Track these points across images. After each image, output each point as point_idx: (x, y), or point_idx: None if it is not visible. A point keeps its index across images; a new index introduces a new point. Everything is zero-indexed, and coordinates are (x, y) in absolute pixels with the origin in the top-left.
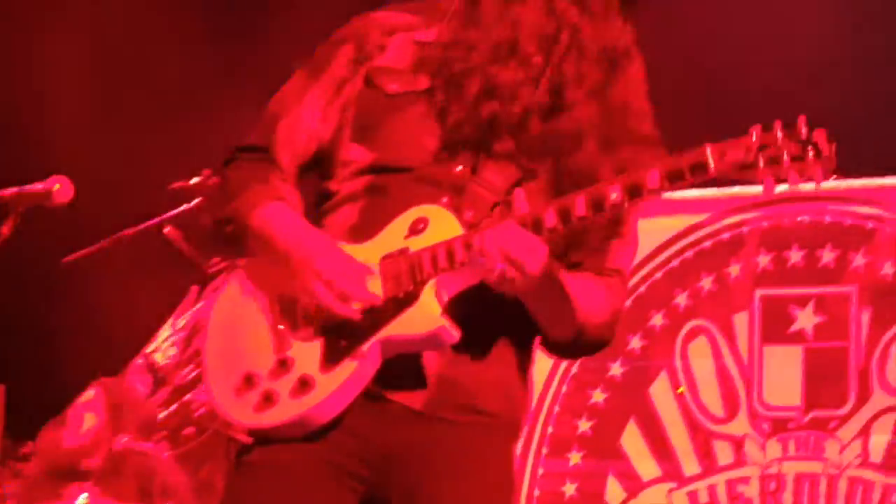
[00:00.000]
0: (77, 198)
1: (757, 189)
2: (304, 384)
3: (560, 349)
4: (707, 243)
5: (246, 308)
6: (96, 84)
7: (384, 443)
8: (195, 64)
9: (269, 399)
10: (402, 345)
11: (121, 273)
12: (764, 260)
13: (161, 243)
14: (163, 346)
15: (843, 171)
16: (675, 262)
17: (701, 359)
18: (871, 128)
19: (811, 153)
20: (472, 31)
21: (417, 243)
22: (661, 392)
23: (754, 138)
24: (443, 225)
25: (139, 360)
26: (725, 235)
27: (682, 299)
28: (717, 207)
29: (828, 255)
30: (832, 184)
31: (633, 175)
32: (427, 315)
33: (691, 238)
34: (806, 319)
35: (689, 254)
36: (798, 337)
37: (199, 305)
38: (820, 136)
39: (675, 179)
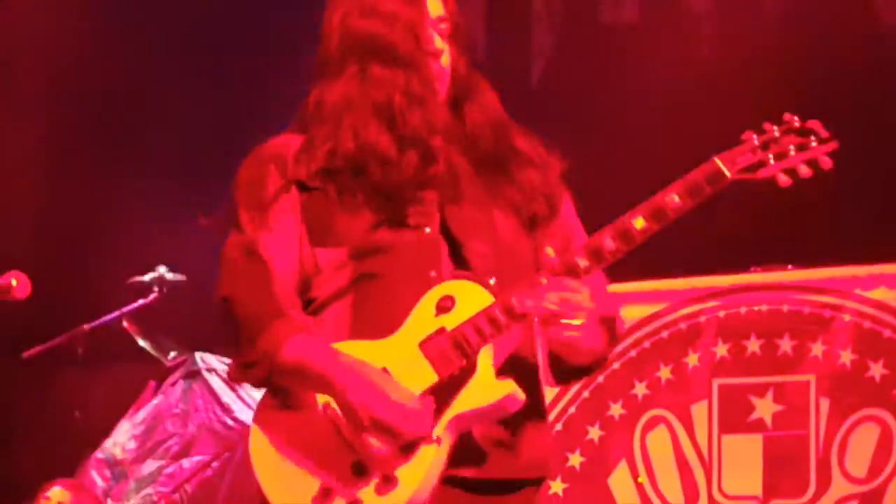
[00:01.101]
0: (34, 292)
1: (713, 279)
2: (388, 481)
3: (581, 372)
4: (664, 333)
5: (294, 428)
6: (52, 177)
7: None
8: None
9: None
10: (475, 417)
11: (79, 366)
12: (722, 349)
13: (119, 337)
14: (121, 440)
15: (802, 261)
16: (632, 353)
17: (660, 449)
18: (828, 216)
19: (813, 140)
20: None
21: (452, 320)
22: (620, 482)
23: (755, 140)
24: (471, 296)
25: (98, 454)
26: (682, 325)
27: (640, 389)
28: (674, 298)
29: (786, 344)
30: (790, 272)
31: (654, 200)
32: (490, 384)
33: (649, 328)
34: (765, 408)
35: (646, 344)
36: (757, 426)
37: (157, 400)
38: (815, 124)
39: (695, 194)
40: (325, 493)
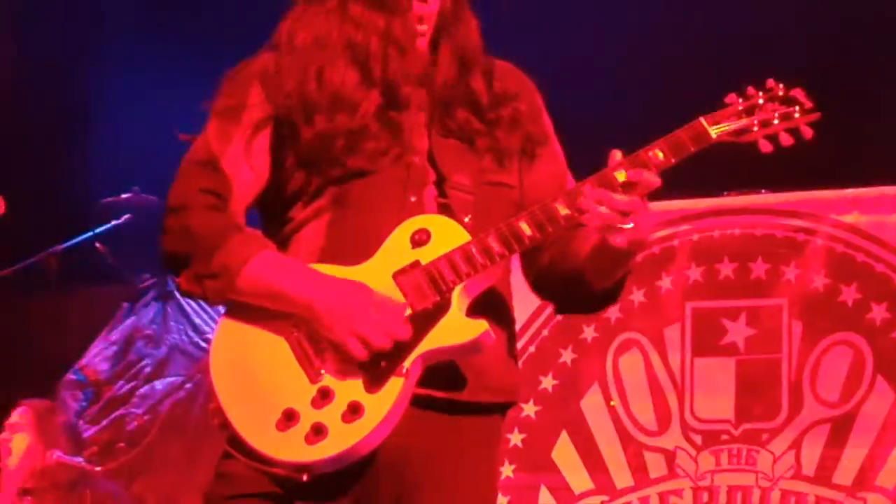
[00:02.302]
0: (8, 213)
1: (687, 202)
2: (354, 410)
3: (601, 298)
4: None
5: (259, 347)
6: (27, 96)
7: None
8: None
9: (319, 431)
10: (444, 354)
11: (52, 288)
12: (695, 273)
13: (92, 258)
14: (94, 362)
15: (776, 184)
16: None
17: (632, 371)
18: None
19: (797, 110)
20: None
21: (427, 254)
22: (592, 405)
23: (740, 104)
24: (446, 232)
25: (71, 376)
26: (656, 249)
27: (613, 312)
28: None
29: (759, 268)
30: (763, 196)
31: (639, 155)
32: (464, 322)
33: None
34: (737, 332)
35: None
36: (730, 349)
37: (130, 320)
38: (798, 93)
39: (679, 151)
40: (289, 417)
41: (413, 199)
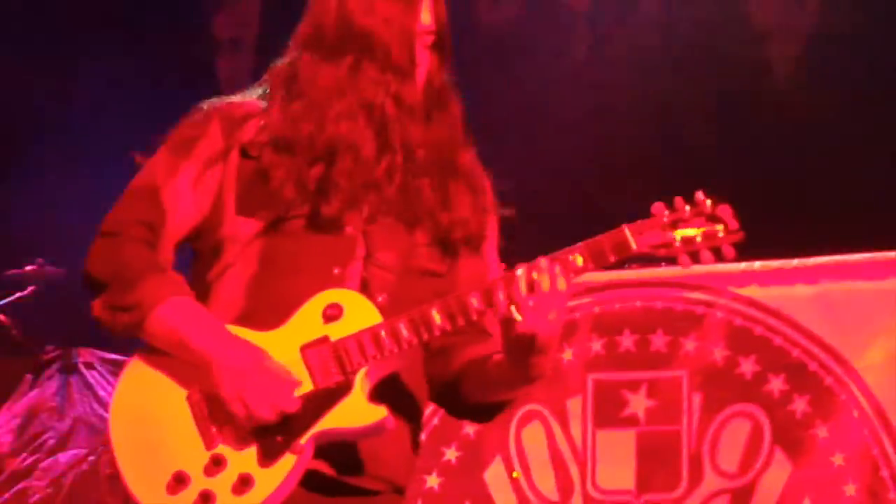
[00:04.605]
0: None
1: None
2: (245, 482)
3: (495, 409)
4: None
5: (160, 400)
6: None
7: None
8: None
9: (206, 499)
10: (341, 435)
11: None
12: (596, 345)
13: None
14: None
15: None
16: None
17: (535, 443)
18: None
19: (721, 229)
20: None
21: (337, 331)
22: (495, 476)
23: (665, 217)
24: (359, 311)
25: None
26: None
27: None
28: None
29: (659, 340)
30: (663, 269)
31: (558, 256)
32: (364, 406)
33: None
34: (638, 403)
35: None
36: (631, 421)
37: (33, 392)
38: (725, 211)
39: (598, 259)
40: (179, 480)
41: (336, 270)
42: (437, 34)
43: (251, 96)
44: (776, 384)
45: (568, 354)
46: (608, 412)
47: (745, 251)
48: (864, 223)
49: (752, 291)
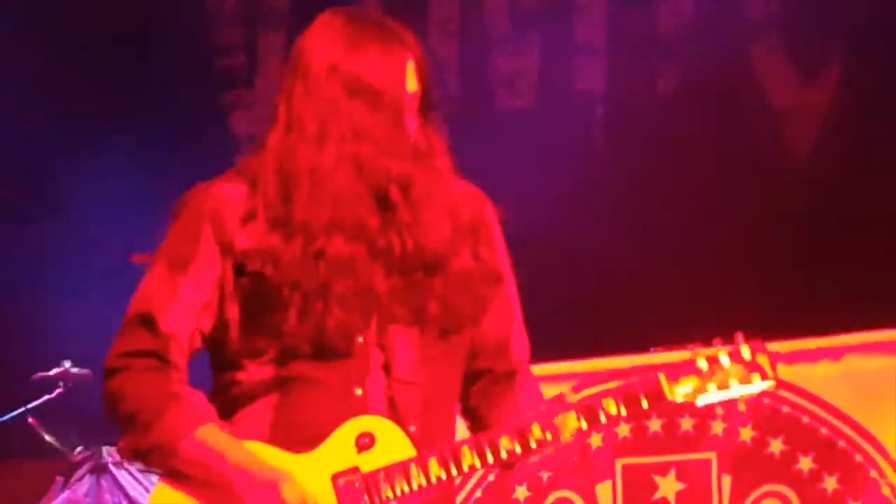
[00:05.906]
0: None
1: (614, 360)
2: None
3: None
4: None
5: None
6: None
7: None
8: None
9: None
10: None
11: None
12: (624, 429)
13: (24, 433)
14: None
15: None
16: None
17: None
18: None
19: (758, 379)
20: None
21: (368, 461)
22: None
23: (705, 368)
24: (391, 442)
25: None
26: None
27: (545, 471)
28: (577, 380)
29: (687, 423)
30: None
31: (593, 404)
32: None
33: None
34: (668, 487)
35: None
36: None
37: (64, 494)
38: (764, 360)
39: (634, 408)
40: None
41: (359, 392)
42: (421, 98)
43: (231, 177)
44: (805, 463)
45: (596, 440)
46: (638, 496)
47: (769, 330)
48: (889, 300)
49: (778, 370)
